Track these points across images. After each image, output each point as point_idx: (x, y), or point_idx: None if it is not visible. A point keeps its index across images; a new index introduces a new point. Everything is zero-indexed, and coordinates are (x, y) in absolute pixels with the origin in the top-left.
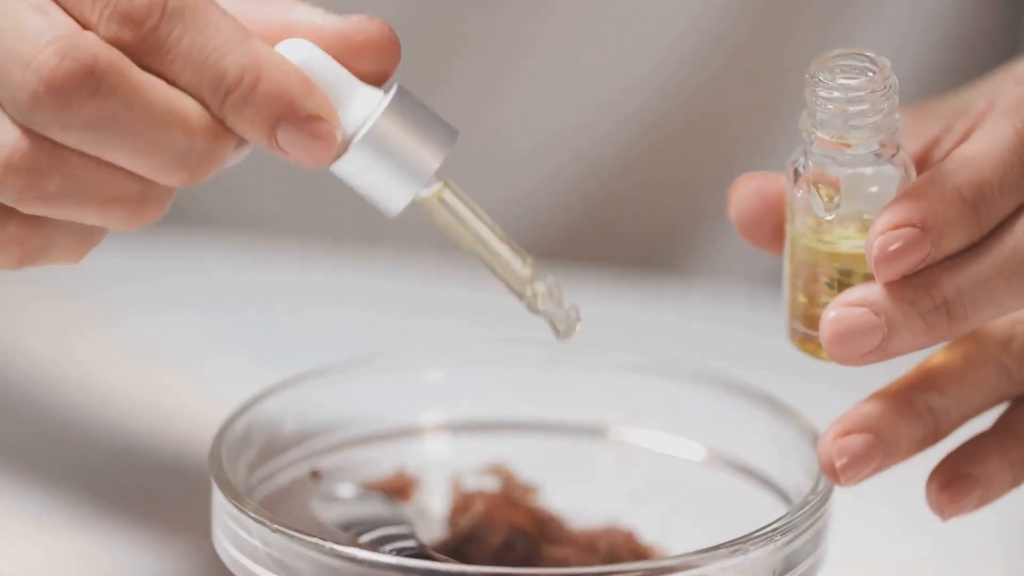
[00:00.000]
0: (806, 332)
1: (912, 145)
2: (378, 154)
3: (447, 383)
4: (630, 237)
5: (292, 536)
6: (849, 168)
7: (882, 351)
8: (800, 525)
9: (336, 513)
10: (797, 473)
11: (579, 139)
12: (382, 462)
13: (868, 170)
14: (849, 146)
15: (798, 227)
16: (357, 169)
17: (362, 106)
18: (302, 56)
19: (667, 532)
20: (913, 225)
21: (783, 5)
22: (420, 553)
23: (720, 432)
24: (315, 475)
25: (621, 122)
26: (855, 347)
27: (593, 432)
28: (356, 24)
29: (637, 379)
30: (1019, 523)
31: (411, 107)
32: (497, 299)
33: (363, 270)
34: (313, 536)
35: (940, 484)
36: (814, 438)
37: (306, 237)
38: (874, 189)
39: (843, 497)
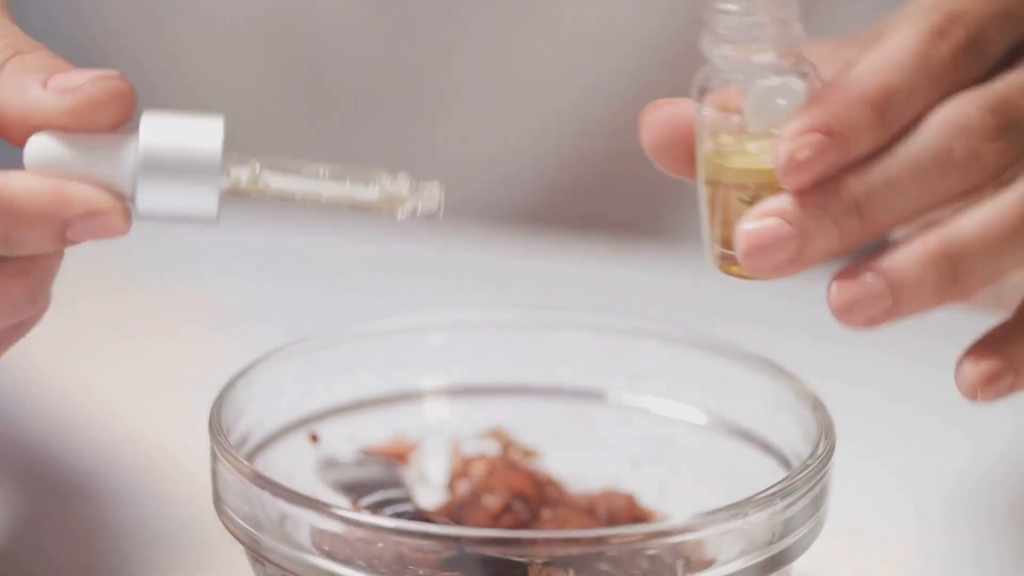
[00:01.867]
0: (724, 253)
1: (832, 68)
2: (163, 179)
3: (446, 347)
4: (621, 202)
5: (292, 499)
6: (753, 81)
7: (799, 260)
8: (799, 489)
9: (335, 477)
10: (796, 437)
11: (569, 107)
12: (381, 426)
13: (772, 82)
14: (749, 59)
15: (707, 148)
16: (156, 205)
17: (125, 154)
18: (45, 154)
19: (667, 496)
20: (819, 131)
21: None
22: (418, 516)
23: (719, 396)
24: (314, 439)
25: (611, 90)
26: (770, 258)
27: (593, 396)
28: (85, 93)
29: (637, 343)
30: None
31: (166, 124)
32: (498, 263)
33: (362, 235)
34: (313, 500)
35: (973, 364)
36: (813, 402)
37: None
38: (781, 102)
39: (842, 460)
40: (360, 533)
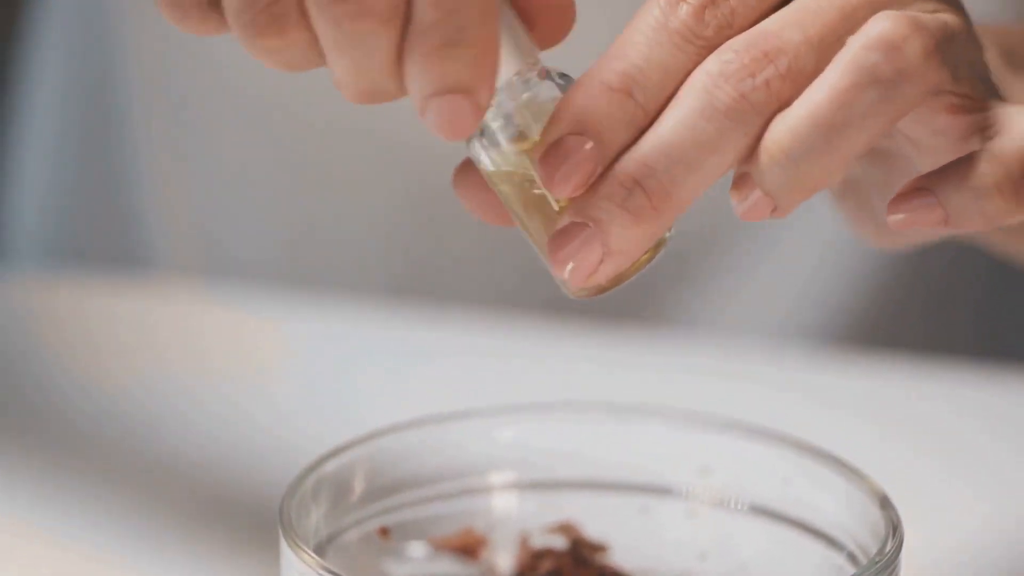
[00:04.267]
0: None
1: None
2: None
3: (515, 441)
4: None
5: None
6: (510, 99)
7: (610, 257)
8: None
9: (406, 572)
10: (863, 533)
11: None
12: (451, 520)
13: (524, 96)
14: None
15: (494, 177)
16: None
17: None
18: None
19: None
20: (571, 132)
21: None
22: None
23: (787, 491)
24: (384, 532)
25: None
26: (583, 266)
27: (661, 490)
28: None
29: (706, 436)
30: None
31: None
32: (565, 358)
33: (429, 325)
34: None
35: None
36: (881, 499)
37: (377, 293)
38: (542, 112)
39: (910, 557)
40: None
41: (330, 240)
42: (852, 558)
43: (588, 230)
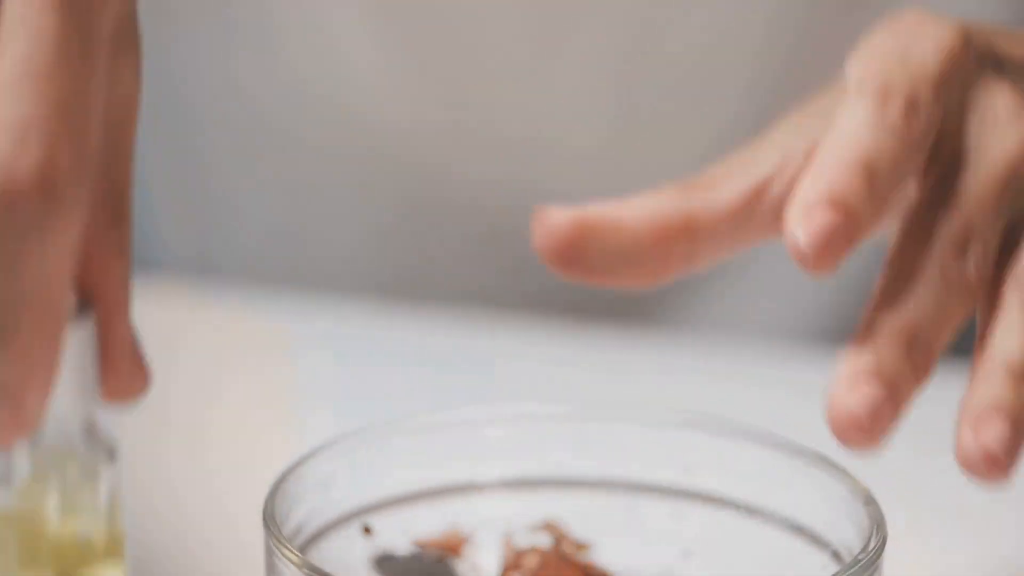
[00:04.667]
0: None
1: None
2: None
3: (500, 440)
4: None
5: None
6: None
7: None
8: None
9: (390, 570)
10: (849, 532)
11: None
12: (435, 519)
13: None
14: None
15: None
16: None
17: None
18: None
19: None
20: (824, 203)
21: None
22: None
23: (771, 489)
24: (368, 531)
25: (640, 171)
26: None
27: (645, 489)
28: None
29: (689, 435)
30: None
31: None
32: (553, 358)
33: (412, 324)
34: None
35: (974, 434)
36: (865, 496)
37: (367, 295)
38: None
39: (893, 554)
40: None
41: (322, 242)
42: (836, 556)
43: (882, 390)
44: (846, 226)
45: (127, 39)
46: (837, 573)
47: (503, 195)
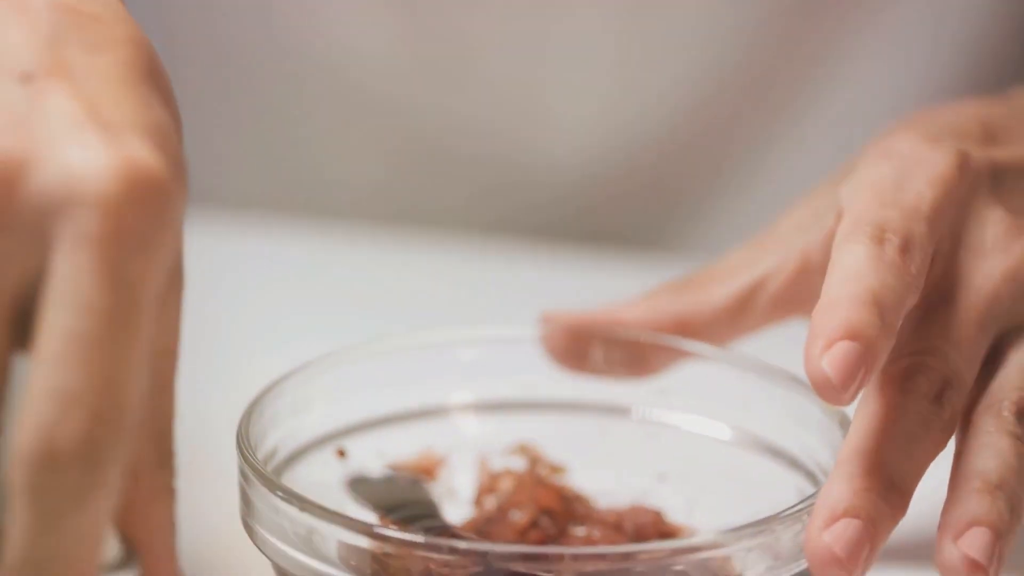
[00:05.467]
0: None
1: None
2: None
3: (474, 363)
4: (648, 214)
5: (319, 515)
6: None
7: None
8: None
9: (363, 492)
10: (823, 453)
11: (606, 122)
12: (409, 441)
13: None
14: None
15: None
16: None
17: None
18: None
19: (693, 512)
20: (841, 338)
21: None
22: (445, 532)
23: (746, 411)
24: (342, 454)
25: (646, 108)
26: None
27: (620, 412)
28: None
29: None
30: None
31: None
32: (525, 280)
33: (391, 250)
34: (340, 515)
35: (954, 546)
36: (840, 417)
37: (338, 217)
38: None
39: None
40: (388, 549)
41: (316, 174)
42: (811, 477)
43: (861, 526)
44: (865, 356)
45: (174, 284)
46: (812, 495)
47: (507, 136)
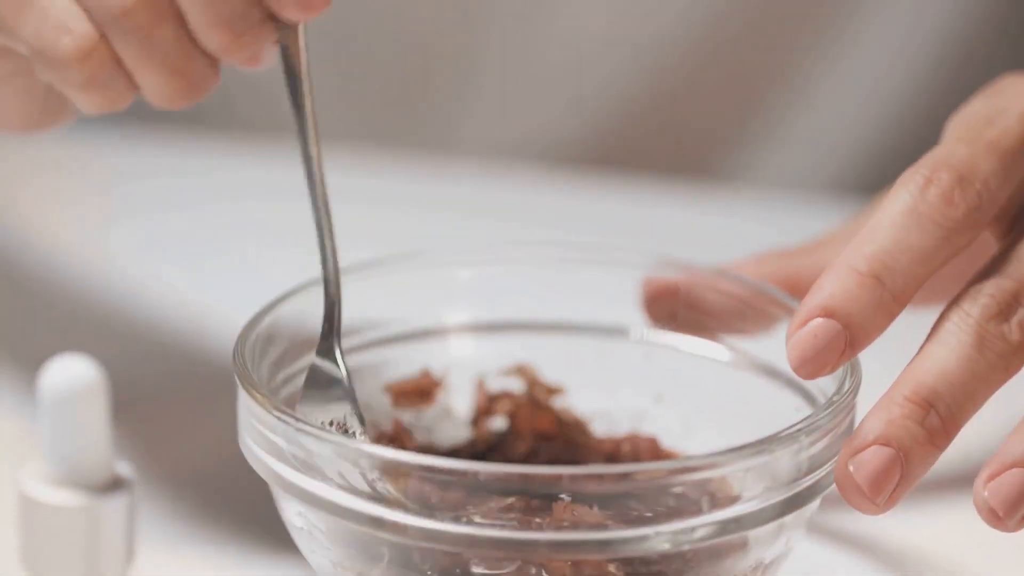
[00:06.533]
0: None
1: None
2: None
3: (472, 284)
4: (672, 144)
5: (315, 434)
6: None
7: (905, 480)
8: (824, 425)
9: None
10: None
11: (621, 44)
12: (407, 362)
13: None
14: None
15: None
16: None
17: None
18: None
19: (691, 432)
20: (819, 314)
21: None
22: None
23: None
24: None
25: (663, 30)
26: (883, 489)
27: (618, 333)
28: None
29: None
30: None
31: None
32: (524, 200)
33: (387, 172)
34: (336, 435)
35: (991, 489)
36: None
37: (336, 139)
38: None
39: (869, 397)
40: (385, 468)
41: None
42: (810, 398)
43: (890, 454)
44: (840, 336)
45: None
46: (811, 415)
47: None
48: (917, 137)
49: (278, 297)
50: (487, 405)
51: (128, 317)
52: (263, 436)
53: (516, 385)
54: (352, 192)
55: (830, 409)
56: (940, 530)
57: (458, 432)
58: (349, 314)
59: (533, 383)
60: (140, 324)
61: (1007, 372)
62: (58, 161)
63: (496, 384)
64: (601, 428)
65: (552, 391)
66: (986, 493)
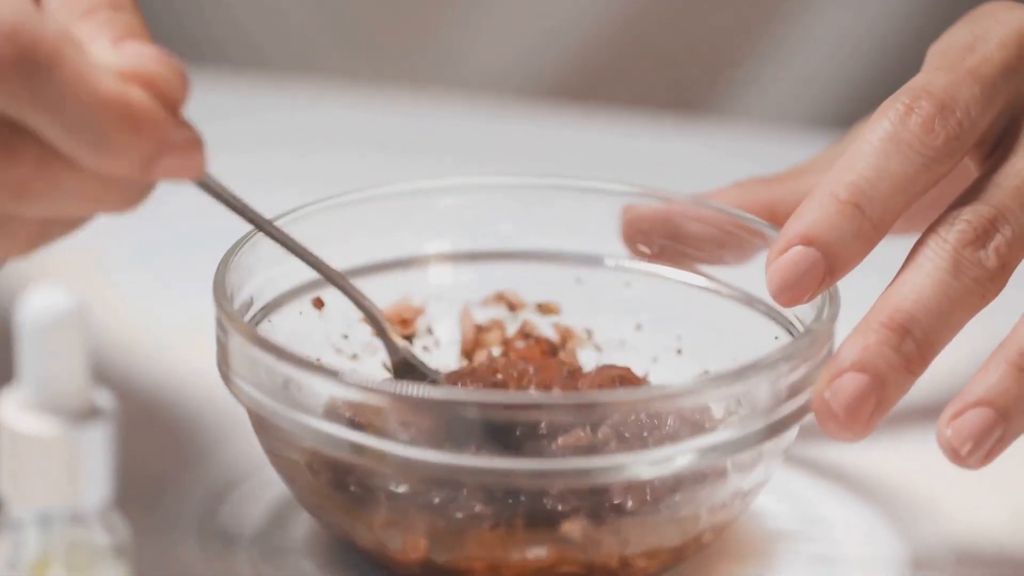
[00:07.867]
0: None
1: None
2: None
3: (451, 212)
4: (656, 77)
5: (296, 364)
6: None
7: (881, 406)
8: (803, 353)
9: (341, 345)
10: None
11: None
12: (387, 291)
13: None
14: None
15: None
16: None
17: None
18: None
19: (671, 359)
20: (799, 242)
21: None
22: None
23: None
24: (319, 303)
25: None
26: (858, 415)
27: (596, 261)
28: (144, 65)
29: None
30: None
31: None
32: (504, 134)
33: (371, 108)
34: (317, 364)
35: (954, 425)
36: None
37: (318, 76)
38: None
39: (847, 326)
40: (363, 397)
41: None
42: (789, 327)
43: (866, 381)
44: (820, 263)
45: None
46: (790, 343)
47: None
48: (901, 70)
49: (254, 228)
50: (475, 336)
51: (102, 251)
52: (243, 365)
53: (500, 314)
54: (331, 130)
55: (808, 337)
56: (915, 461)
57: (443, 360)
58: (329, 242)
59: (517, 307)
60: (118, 258)
61: (983, 298)
62: None
63: (480, 314)
64: (581, 357)
65: (547, 309)
66: (949, 432)
